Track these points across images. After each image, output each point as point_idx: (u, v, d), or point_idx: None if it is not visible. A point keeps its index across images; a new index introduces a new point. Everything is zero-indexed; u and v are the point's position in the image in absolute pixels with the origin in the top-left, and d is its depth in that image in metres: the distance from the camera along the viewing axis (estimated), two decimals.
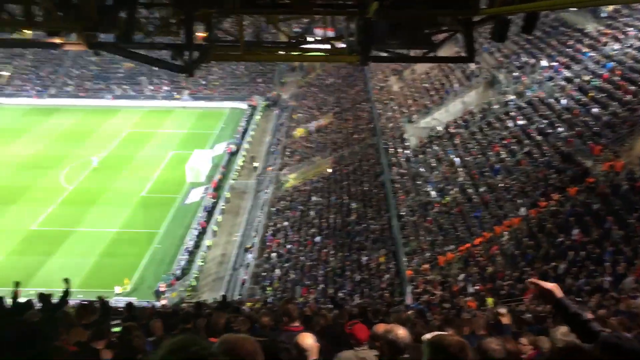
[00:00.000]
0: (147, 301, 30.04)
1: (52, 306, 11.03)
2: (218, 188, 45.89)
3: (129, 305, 12.63)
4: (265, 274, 33.27)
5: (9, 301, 10.64)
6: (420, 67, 48.19)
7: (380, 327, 5.28)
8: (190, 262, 36.35)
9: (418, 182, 33.70)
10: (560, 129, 27.95)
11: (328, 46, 13.96)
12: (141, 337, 5.64)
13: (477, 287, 21.84)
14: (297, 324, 6.41)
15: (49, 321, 6.26)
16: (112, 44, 12.32)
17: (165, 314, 11.79)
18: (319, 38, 15.59)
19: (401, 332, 4.61)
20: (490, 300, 19.53)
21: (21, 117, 61.95)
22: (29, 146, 53.17)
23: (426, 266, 25.87)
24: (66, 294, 11.40)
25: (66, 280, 11.45)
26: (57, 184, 45.77)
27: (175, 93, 68.80)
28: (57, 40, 11.80)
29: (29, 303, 10.74)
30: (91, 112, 63.77)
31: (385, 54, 13.16)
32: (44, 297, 11.23)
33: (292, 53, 15.84)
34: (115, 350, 6.10)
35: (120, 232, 39.09)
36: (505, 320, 7.15)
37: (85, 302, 11.38)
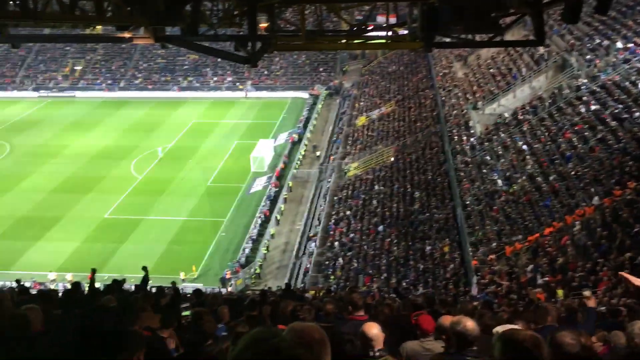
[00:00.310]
0: (213, 288, 30.91)
1: (135, 291, 11.49)
2: (281, 177, 46.42)
3: (198, 291, 12.97)
4: (328, 262, 33.43)
5: (86, 286, 11.15)
6: (486, 52, 46.84)
7: (447, 319, 5.17)
8: (254, 250, 37.02)
9: (484, 171, 32.87)
10: (637, 114, 26.49)
11: (390, 33, 13.79)
12: (212, 322, 5.77)
13: (547, 279, 21.12)
14: (361, 313, 6.40)
15: (125, 306, 6.48)
16: (178, 36, 12.63)
17: (232, 301, 12.03)
18: (381, 25, 15.39)
19: (470, 323, 4.50)
20: (560, 292, 18.86)
21: (94, 109, 64.67)
22: (101, 138, 55.49)
23: (492, 256, 25.24)
24: (145, 280, 11.85)
25: (144, 268, 11.87)
26: (128, 174, 47.56)
27: (238, 84, 69.93)
28: (126, 35, 12.15)
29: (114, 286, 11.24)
30: (158, 104, 65.82)
31: (449, 40, 12.85)
32: (117, 283, 11.72)
33: (354, 41, 15.77)
34: (185, 334, 6.26)
35: (187, 221, 40.24)
36: (591, 303, 6.93)
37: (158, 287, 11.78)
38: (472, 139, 36.79)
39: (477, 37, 12.76)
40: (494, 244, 26.25)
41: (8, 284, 29.39)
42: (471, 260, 25.92)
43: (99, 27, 17.96)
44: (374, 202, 37.65)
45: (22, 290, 11.58)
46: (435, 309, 8.22)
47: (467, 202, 30.92)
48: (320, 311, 7.92)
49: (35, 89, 70.96)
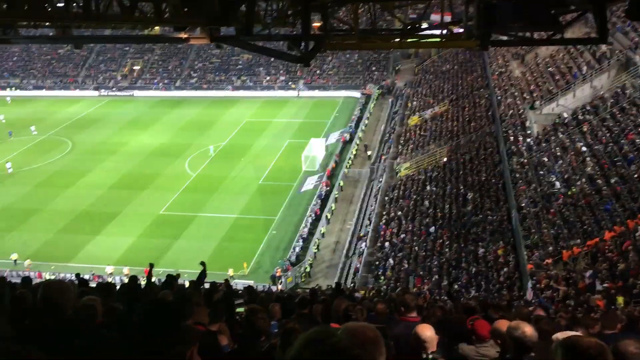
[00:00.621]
0: (264, 285, 31.25)
1: (190, 286, 11.72)
2: (332, 176, 46.48)
3: (249, 288, 13.11)
4: (378, 262, 33.22)
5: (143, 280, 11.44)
6: (545, 50, 45.47)
7: (504, 323, 5.02)
8: (304, 248, 37.20)
9: (540, 172, 31.92)
10: None
11: (445, 31, 13.57)
12: (265, 320, 5.79)
13: (606, 285, 20.33)
14: (414, 314, 6.31)
15: (181, 301, 6.61)
16: (233, 37, 12.78)
17: (283, 299, 12.10)
18: (436, 23, 15.17)
19: (528, 329, 4.35)
20: (620, 299, 18.12)
21: (151, 108, 66.56)
22: (157, 136, 57.01)
23: (549, 261, 24.49)
24: (202, 275, 12.08)
25: (202, 263, 12.10)
26: (183, 172, 48.66)
27: (291, 83, 70.45)
28: (183, 35, 12.39)
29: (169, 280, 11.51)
30: (212, 103, 67.11)
31: (506, 38, 12.54)
32: (172, 278, 11.97)
33: (408, 40, 15.58)
34: (238, 330, 6.32)
35: (239, 218, 40.82)
36: None
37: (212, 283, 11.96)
38: (528, 140, 35.79)
39: (536, 35, 12.39)
40: (551, 248, 25.45)
41: (68, 276, 30.64)
42: (526, 264, 25.22)
43: (157, 28, 18.42)
44: (426, 202, 37.18)
45: (81, 282, 11.99)
46: (488, 313, 8.02)
47: (523, 205, 30.09)
48: (371, 311, 7.87)
49: (96, 88, 73.60)
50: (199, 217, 41.18)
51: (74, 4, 8.77)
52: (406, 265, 31.46)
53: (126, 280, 15.41)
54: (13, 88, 75.30)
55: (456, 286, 27.22)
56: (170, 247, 37.54)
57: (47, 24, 16.00)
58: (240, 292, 15.88)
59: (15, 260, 35.98)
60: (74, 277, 20.36)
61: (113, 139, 56.75)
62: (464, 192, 36.25)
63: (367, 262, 34.00)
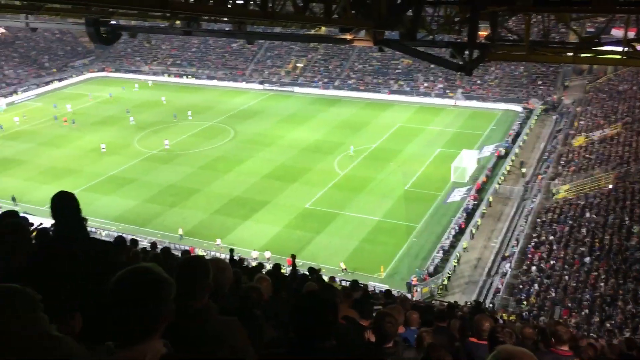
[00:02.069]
0: (398, 291, 31.00)
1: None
2: (481, 190, 44.82)
3: (388, 292, 13.08)
4: (522, 286, 31.44)
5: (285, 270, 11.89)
6: None
7: None
8: (444, 260, 36.30)
9: None
10: None
11: (627, 48, 12.43)
12: (394, 324, 5.72)
13: None
14: (565, 348, 5.89)
15: (328, 292, 6.78)
16: (396, 41, 12.78)
17: (420, 308, 11.90)
18: (617, 39, 13.96)
19: None
20: None
21: (308, 105, 69.10)
22: (312, 132, 59.00)
23: None
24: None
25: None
26: (332, 169, 49.85)
27: (449, 91, 69.10)
28: (347, 37, 12.65)
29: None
30: (368, 105, 67.95)
31: None
32: (314, 271, 12.30)
33: (582, 55, 14.49)
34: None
35: (381, 222, 40.87)
36: None
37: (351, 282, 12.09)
38: None
39: None
40: None
41: (218, 254, 32.83)
42: None
43: (323, 28, 19.01)
44: (583, 230, 34.42)
45: (232, 262, 12.72)
46: None
47: None
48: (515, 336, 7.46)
49: (261, 82, 78.00)
50: (342, 215, 41.91)
51: (252, 2, 9.30)
52: (553, 294, 29.45)
53: (268, 266, 16.11)
54: (189, 76, 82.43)
55: (608, 325, 24.92)
56: (311, 241, 38.64)
57: (225, 19, 17.21)
58: (377, 294, 15.91)
59: (181, 235, 39.20)
60: (224, 256, 21.62)
61: (271, 132, 59.74)
62: (629, 225, 33.01)
63: (509, 284, 32.36)
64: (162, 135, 58.26)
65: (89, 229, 4.79)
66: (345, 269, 34.72)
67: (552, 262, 32.40)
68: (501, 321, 15.57)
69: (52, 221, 4.49)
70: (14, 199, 43.30)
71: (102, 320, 3.24)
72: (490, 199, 43.24)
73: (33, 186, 47.51)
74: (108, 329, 2.42)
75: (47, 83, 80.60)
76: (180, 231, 39.40)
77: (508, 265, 34.24)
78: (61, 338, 2.42)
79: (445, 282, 34.22)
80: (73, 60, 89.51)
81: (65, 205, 4.45)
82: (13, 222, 4.08)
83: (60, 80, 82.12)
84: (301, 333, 3.09)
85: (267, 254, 35.91)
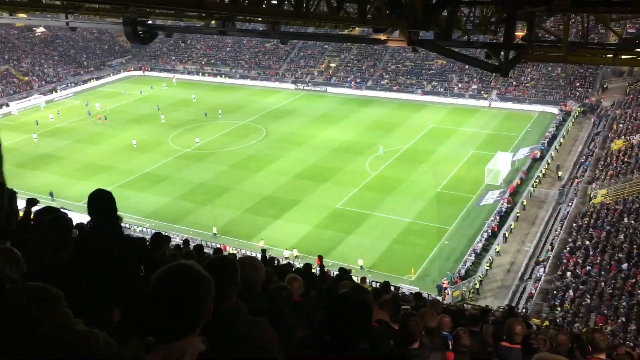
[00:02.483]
0: (429, 294, 30.73)
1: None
2: (515, 193, 44.09)
3: (418, 294, 12.99)
4: (556, 292, 30.81)
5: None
6: None
7: None
8: (476, 264, 35.84)
9: None
10: None
11: None
12: (418, 324, 5.68)
13: None
14: (602, 356, 5.74)
15: (361, 294, 6.77)
16: (430, 41, 12.66)
17: (451, 312, 11.77)
18: None
19: None
20: None
21: (341, 105, 69.06)
22: (343, 132, 58.94)
23: None
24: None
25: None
26: (363, 169, 49.70)
27: (483, 92, 68.23)
28: (381, 37, 12.58)
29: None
30: (400, 105, 67.58)
31: None
32: (344, 272, 12.29)
33: (623, 56, 14.13)
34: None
35: (412, 223, 40.56)
36: None
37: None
38: None
39: None
40: None
41: (249, 253, 33.05)
42: None
43: (357, 28, 18.96)
44: (621, 236, 33.56)
45: (263, 261, 12.80)
46: None
47: None
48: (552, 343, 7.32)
49: (293, 82, 78.29)
50: (373, 216, 41.73)
51: (287, 2, 9.33)
52: (588, 301, 28.78)
53: (295, 264, 16.18)
54: (223, 76, 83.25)
55: None
56: (342, 241, 38.58)
57: (259, 19, 17.30)
58: (407, 296, 15.80)
59: (214, 234, 39.57)
60: (254, 255, 21.79)
61: (303, 131, 59.89)
62: None
63: (543, 289, 31.76)
64: (195, 134, 58.95)
65: (123, 225, 4.88)
66: (361, 266, 34.57)
67: (587, 268, 31.67)
68: (534, 327, 15.29)
69: (88, 218, 4.58)
70: (51, 195, 44.37)
71: (139, 316, 3.30)
72: (525, 202, 42.51)
73: (70, 182, 48.65)
74: (148, 325, 2.45)
75: (85, 81, 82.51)
76: (215, 229, 39.76)
77: (542, 270, 33.60)
78: (87, 332, 2.45)
79: (477, 286, 33.79)
80: (110, 59, 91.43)
81: (102, 203, 4.54)
82: (57, 217, 4.17)
83: (97, 78, 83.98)
84: (334, 334, 3.07)
85: (294, 252, 36.17)
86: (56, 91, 77.57)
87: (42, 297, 2.31)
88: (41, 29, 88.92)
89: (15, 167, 51.94)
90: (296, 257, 34.91)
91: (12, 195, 4.48)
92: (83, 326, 2.44)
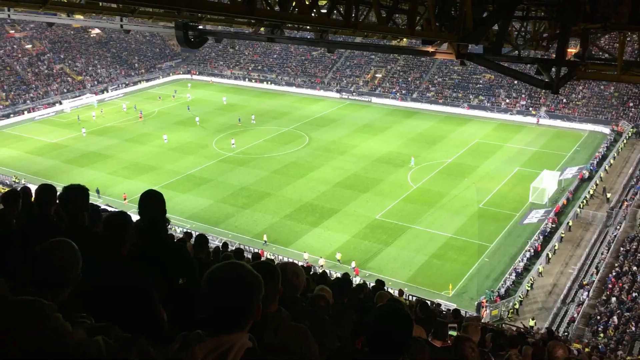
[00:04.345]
0: (466, 311, 30.16)
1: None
2: (560, 214, 42.97)
3: (456, 311, 12.77)
4: (599, 317, 29.85)
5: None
6: None
7: None
8: (517, 283, 35.03)
9: None
10: None
11: None
12: (475, 350, 5.53)
13: None
14: None
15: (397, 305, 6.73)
16: (479, 55, 12.49)
17: (490, 331, 11.53)
18: None
19: None
20: None
21: (385, 116, 68.79)
22: (386, 143, 58.65)
23: None
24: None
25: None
26: (404, 181, 49.29)
27: (531, 109, 66.92)
28: (429, 49, 12.48)
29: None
30: (445, 119, 66.86)
31: None
32: (381, 283, 12.20)
33: None
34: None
35: (452, 238, 39.94)
36: None
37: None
38: None
39: None
40: None
41: (285, 259, 33.17)
42: None
43: (405, 39, 18.87)
44: None
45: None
46: None
47: None
48: None
49: (338, 91, 78.44)
50: (412, 229, 41.30)
51: (336, 12, 9.35)
52: (633, 328, 27.75)
53: (325, 271, 16.17)
54: (269, 82, 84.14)
55: None
56: (379, 253, 38.29)
57: (308, 27, 17.44)
58: (444, 312, 15.55)
59: (265, 242, 39.69)
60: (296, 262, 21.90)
61: (345, 140, 59.86)
62: None
63: (586, 314, 30.81)
64: (239, 139, 59.65)
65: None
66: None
67: (634, 295, 30.59)
68: (575, 352, 14.82)
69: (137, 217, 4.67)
70: (98, 192, 45.53)
71: (183, 313, 3.34)
72: (570, 223, 41.37)
73: (116, 180, 49.87)
74: (200, 319, 2.49)
75: (135, 83, 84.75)
76: (265, 237, 39.86)
77: (586, 294, 32.60)
78: (87, 342, 2.40)
79: (517, 306, 33.01)
80: (161, 62, 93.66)
81: (150, 203, 4.63)
82: (121, 214, 4.28)
83: (147, 80, 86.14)
84: (374, 346, 3.03)
85: (321, 261, 36.10)
86: (107, 91, 79.90)
87: (29, 312, 2.22)
88: (96, 31, 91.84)
89: (66, 163, 53.68)
90: (322, 266, 34.69)
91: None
92: (84, 336, 2.42)
